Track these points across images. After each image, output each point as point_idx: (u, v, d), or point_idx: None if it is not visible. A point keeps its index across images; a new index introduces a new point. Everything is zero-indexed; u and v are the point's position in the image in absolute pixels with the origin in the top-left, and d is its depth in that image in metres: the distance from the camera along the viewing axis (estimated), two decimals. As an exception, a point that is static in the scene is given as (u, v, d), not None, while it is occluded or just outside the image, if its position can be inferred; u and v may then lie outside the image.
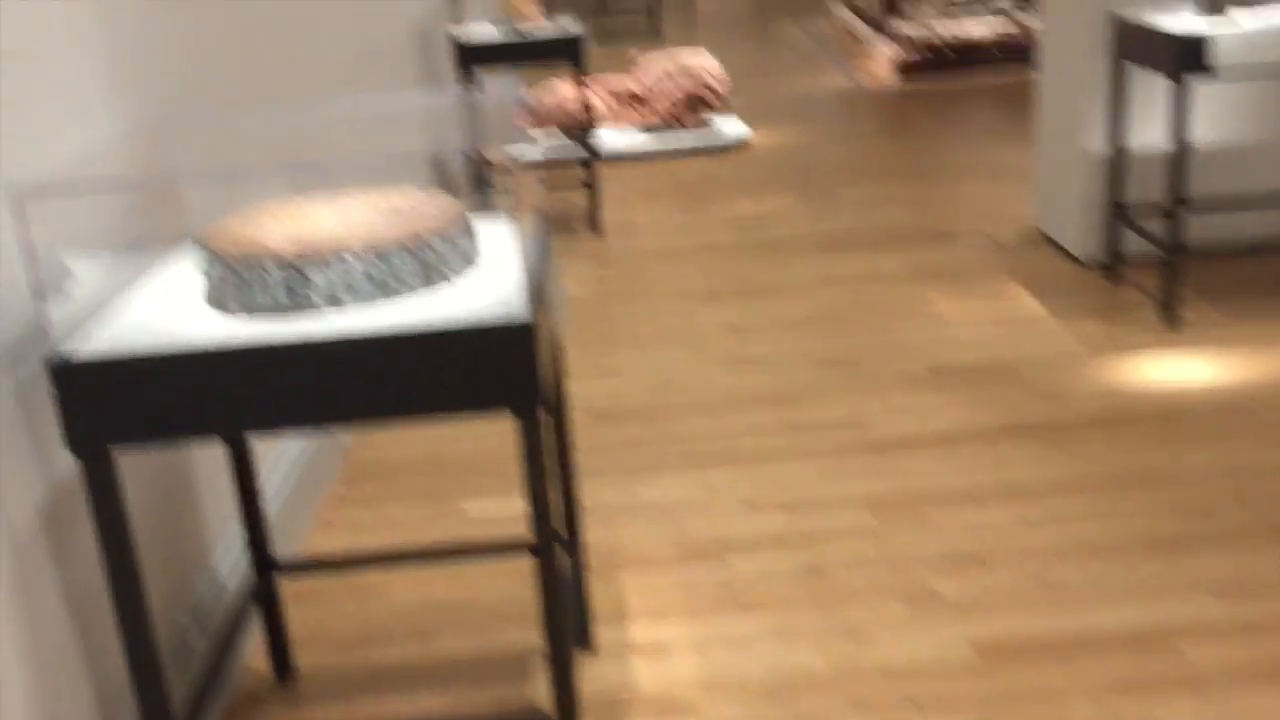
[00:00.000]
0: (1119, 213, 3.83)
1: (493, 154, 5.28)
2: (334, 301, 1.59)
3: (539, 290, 1.65)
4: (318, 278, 1.59)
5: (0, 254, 1.55)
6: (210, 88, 2.38)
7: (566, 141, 6.33)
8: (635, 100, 6.51)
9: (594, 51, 11.67)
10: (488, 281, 1.67)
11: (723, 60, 9.76)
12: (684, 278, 4.37)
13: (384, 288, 1.61)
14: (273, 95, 2.83)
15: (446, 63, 4.98)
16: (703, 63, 6.62)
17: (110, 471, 1.52)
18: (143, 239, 1.98)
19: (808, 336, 3.69)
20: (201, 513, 2.21)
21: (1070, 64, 4.05)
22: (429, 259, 1.65)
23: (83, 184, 1.73)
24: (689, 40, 11.69)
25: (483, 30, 4.96)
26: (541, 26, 4.89)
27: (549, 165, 6.17)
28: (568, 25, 4.93)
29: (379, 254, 1.60)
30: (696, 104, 6.48)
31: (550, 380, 1.72)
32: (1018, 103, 7.16)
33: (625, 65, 6.67)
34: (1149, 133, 3.84)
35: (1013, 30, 7.81)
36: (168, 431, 1.52)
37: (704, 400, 3.31)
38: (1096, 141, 3.91)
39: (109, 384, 1.49)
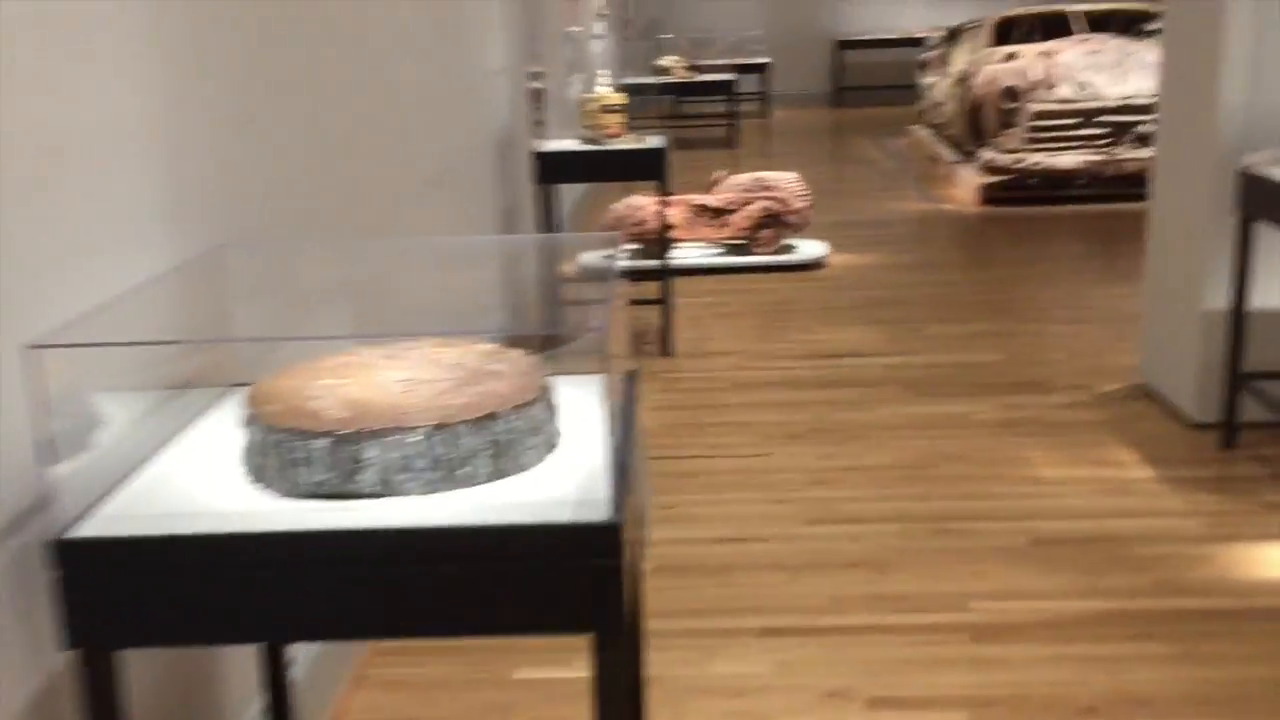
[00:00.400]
0: (1240, 377, 3.53)
1: (568, 269, 5.11)
2: (388, 486, 1.35)
3: (626, 477, 1.40)
4: (372, 453, 1.36)
5: (6, 403, 1.34)
6: (280, 209, 2.20)
7: (641, 256, 6.17)
8: (713, 215, 6.34)
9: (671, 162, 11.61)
10: (567, 465, 1.44)
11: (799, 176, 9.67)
12: (761, 411, 4.12)
13: (448, 471, 1.37)
14: (345, 215, 2.66)
15: (526, 176, 4.83)
16: (785, 180, 6.45)
17: (110, 674, 1.29)
18: (187, 379, 1.77)
19: (896, 491, 3.41)
20: (220, 678, 1.96)
21: (1188, 215, 3.79)
22: (501, 438, 1.41)
23: (106, 337, 1.52)
24: (763, 151, 11.62)
25: (564, 144, 4.82)
26: (624, 140, 4.74)
27: (623, 279, 5.99)
28: (651, 140, 4.78)
29: (445, 429, 1.37)
30: (776, 223, 6.29)
31: (632, 591, 1.46)
32: (1106, 237, 6.91)
33: (708, 185, 6.52)
34: (1276, 294, 3.55)
35: (1099, 160, 7.58)
36: (183, 634, 1.29)
37: (782, 558, 3.03)
38: (1217, 299, 3.63)
39: (116, 570, 1.26)
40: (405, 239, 2.98)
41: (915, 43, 14.93)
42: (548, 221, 4.99)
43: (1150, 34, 8.98)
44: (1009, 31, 9.03)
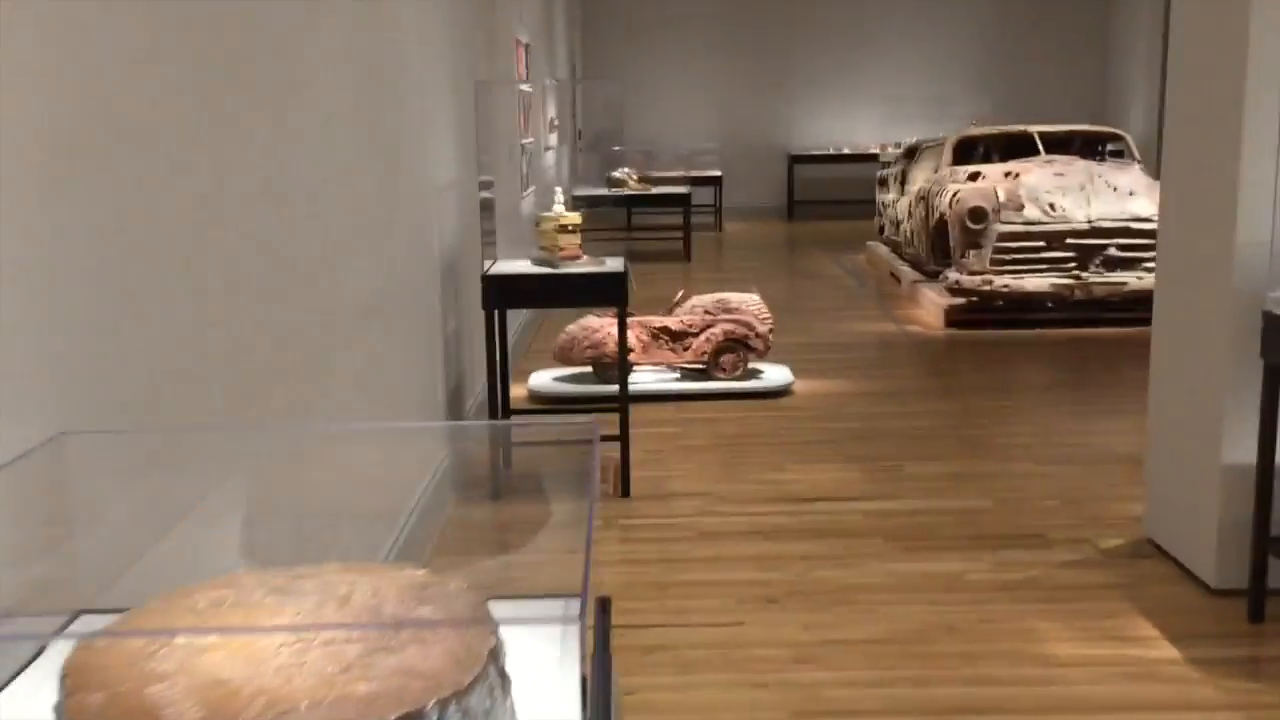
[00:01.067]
0: (1269, 541, 3.17)
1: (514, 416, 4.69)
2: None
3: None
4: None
5: None
6: (160, 372, 1.76)
7: (597, 381, 5.78)
8: (673, 338, 5.98)
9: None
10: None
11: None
12: (731, 568, 3.69)
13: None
14: (254, 365, 2.22)
15: (475, 302, 4.44)
16: (747, 302, 6.12)
17: None
18: (7, 606, 1.32)
19: (891, 673, 2.97)
20: None
21: (1202, 356, 3.47)
22: (428, 745, 0.98)
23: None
24: (719, 265, 11.36)
25: (517, 265, 4.45)
26: (581, 262, 4.37)
27: (573, 405, 5.58)
28: (610, 262, 4.41)
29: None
30: (738, 347, 5.94)
31: None
32: (1079, 365, 6.63)
33: (668, 306, 6.18)
34: (1304, 447, 3.22)
35: (1067, 284, 7.36)
36: None
37: (766, 766, 2.57)
38: (1239, 452, 3.28)
39: None
40: (306, 426, 2.54)
41: (869, 158, 14.94)
42: (501, 350, 4.59)
43: (1115, 155, 8.90)
44: (969, 150, 8.89)
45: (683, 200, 11.38)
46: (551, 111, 9.50)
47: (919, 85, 15.31)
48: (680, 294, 6.25)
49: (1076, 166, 7.76)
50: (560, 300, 4.55)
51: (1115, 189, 7.53)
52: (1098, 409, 5.57)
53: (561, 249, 4.36)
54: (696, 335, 5.97)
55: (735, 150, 15.34)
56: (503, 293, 4.22)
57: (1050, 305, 7.45)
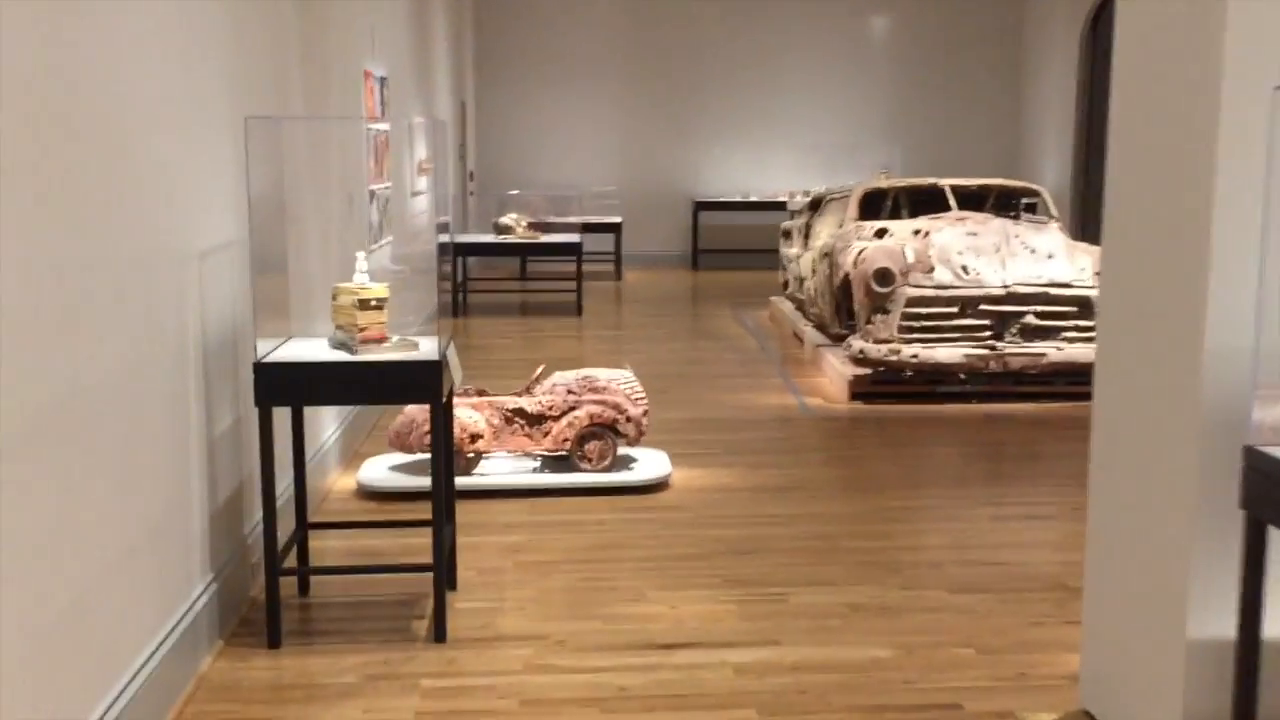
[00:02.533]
0: (1253, 748, 2.38)
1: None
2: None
3: None
4: None
5: None
6: None
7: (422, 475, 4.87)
8: (529, 421, 5.10)
9: (506, 325, 10.48)
10: None
11: (647, 357, 8.54)
12: (555, 763, 2.80)
13: None
14: None
15: (248, 397, 3.51)
16: (618, 380, 5.27)
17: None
18: None
19: None
20: None
21: (1156, 498, 2.68)
22: None
23: None
24: (612, 321, 10.53)
25: (305, 348, 3.54)
26: (386, 347, 3.48)
27: (389, 500, 4.66)
28: (425, 345, 3.53)
29: None
30: (606, 433, 5.09)
31: None
32: (996, 450, 5.90)
33: (527, 384, 5.31)
34: (1295, 622, 2.44)
35: (981, 355, 6.65)
36: None
37: None
38: (1210, 625, 2.50)
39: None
40: None
41: (776, 206, 14.29)
42: (297, 452, 3.66)
43: (1029, 211, 8.27)
44: (877, 204, 8.20)
45: (575, 250, 10.54)
46: (421, 152, 8.61)
47: (829, 132, 14.74)
48: (539, 370, 5.37)
49: (991, 225, 7.08)
50: (355, 395, 3.67)
51: (1033, 251, 6.86)
52: (1018, 510, 4.81)
53: (362, 329, 3.47)
54: (557, 419, 5.10)
55: (638, 195, 14.59)
56: (279, 386, 3.31)
57: (963, 377, 6.73)
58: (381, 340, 3.50)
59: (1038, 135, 14.32)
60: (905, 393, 6.79)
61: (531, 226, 11.12)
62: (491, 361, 8.19)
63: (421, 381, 3.37)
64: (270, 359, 3.38)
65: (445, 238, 10.27)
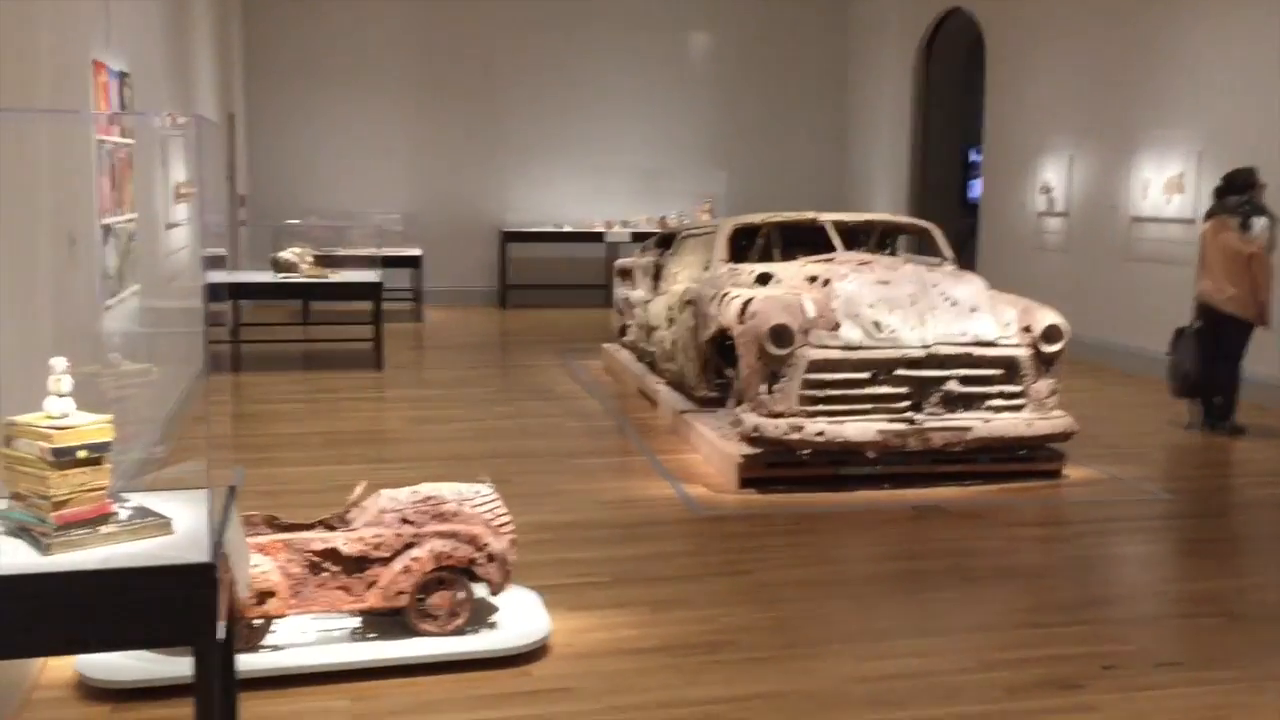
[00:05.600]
0: None
1: None
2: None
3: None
4: None
5: None
6: None
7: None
8: (347, 567, 3.51)
9: (290, 383, 8.62)
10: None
11: (472, 426, 6.89)
12: None
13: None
14: None
15: None
16: (472, 499, 3.74)
17: None
18: None
19: None
20: None
21: None
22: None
23: None
24: (418, 377, 8.87)
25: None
26: (108, 535, 1.88)
27: (128, 699, 3.02)
28: (189, 523, 1.94)
29: None
30: (458, 578, 3.56)
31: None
32: (926, 560, 4.62)
33: (341, 511, 3.72)
34: None
35: (899, 430, 5.46)
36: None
37: None
38: None
39: None
40: None
41: (593, 237, 12.96)
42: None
43: (925, 251, 7.16)
44: (746, 242, 6.93)
45: (372, 290, 8.84)
46: (181, 173, 6.78)
47: (649, 158, 13.50)
48: (359, 489, 3.77)
49: (904, 273, 5.90)
50: (43, 642, 2.03)
51: (954, 303, 5.72)
52: (1040, 672, 3.56)
53: (59, 503, 1.86)
54: (388, 561, 3.53)
55: (439, 225, 12.93)
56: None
57: (872, 456, 5.51)
58: (99, 518, 1.90)
59: (869, 166, 13.53)
60: (805, 477, 5.53)
61: (319, 262, 9.35)
62: (275, 438, 6.45)
63: (177, 605, 1.79)
64: None
65: (218, 276, 8.39)
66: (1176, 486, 5.80)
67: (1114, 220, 9.26)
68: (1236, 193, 6.78)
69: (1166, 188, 8.61)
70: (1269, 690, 3.38)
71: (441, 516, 3.63)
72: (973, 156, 12.94)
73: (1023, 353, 5.68)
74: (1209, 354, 6.79)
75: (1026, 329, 5.73)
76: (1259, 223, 6.71)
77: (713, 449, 5.86)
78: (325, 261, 9.55)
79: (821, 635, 3.83)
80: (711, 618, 3.92)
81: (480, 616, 3.65)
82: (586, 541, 4.71)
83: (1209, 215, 6.93)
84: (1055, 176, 10.06)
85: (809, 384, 5.48)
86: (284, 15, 12.59)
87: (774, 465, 5.53)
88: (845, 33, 13.82)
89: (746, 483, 5.49)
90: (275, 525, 3.65)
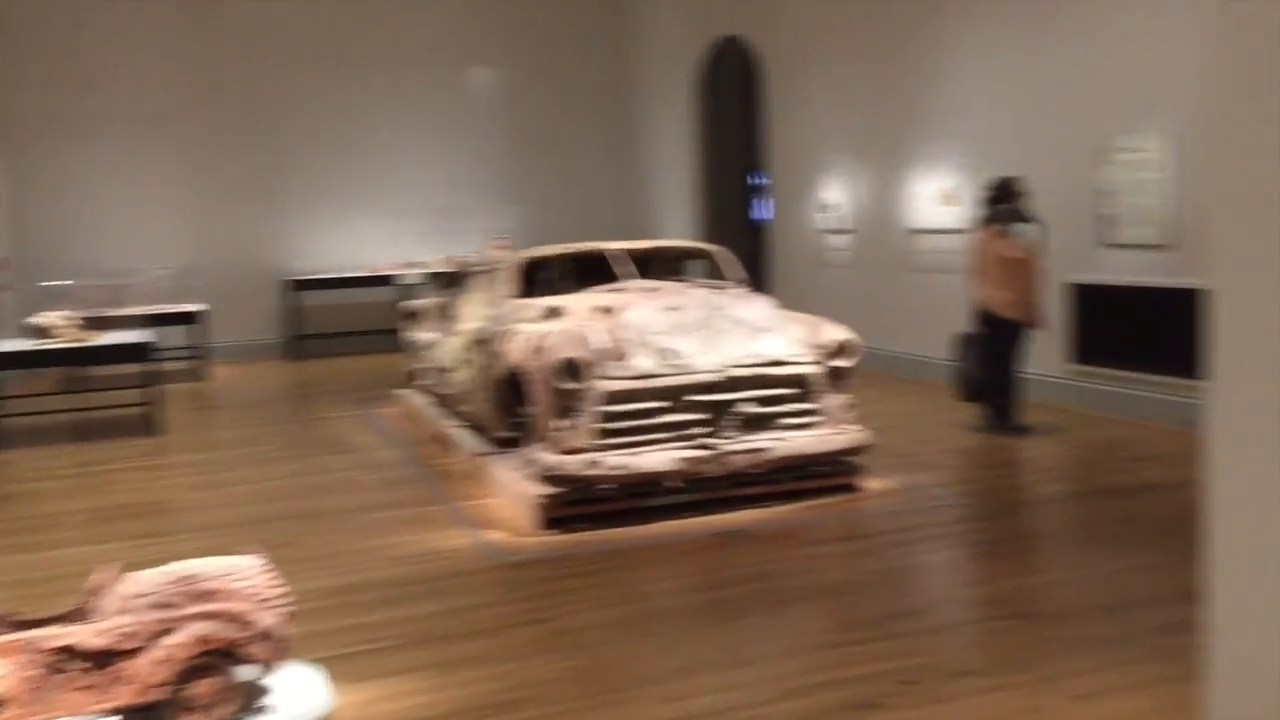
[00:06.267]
0: None
1: None
2: None
3: None
4: None
5: None
6: None
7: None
8: (90, 663, 3.15)
9: (56, 459, 7.91)
10: None
11: (258, 488, 6.51)
12: None
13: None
14: None
15: None
16: (239, 573, 3.43)
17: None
18: None
19: None
20: None
21: None
22: None
23: None
24: (201, 439, 8.33)
25: None
26: None
27: None
28: None
29: None
30: (223, 662, 3.25)
31: None
32: (728, 589, 4.52)
33: (83, 597, 3.35)
34: None
35: (698, 457, 5.40)
36: None
37: None
38: None
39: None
40: None
41: (381, 280, 12.57)
42: None
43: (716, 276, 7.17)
44: (537, 276, 6.78)
45: (141, 352, 8.28)
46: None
47: (437, 196, 13.23)
48: (99, 574, 3.41)
49: (692, 297, 5.86)
50: None
51: (744, 325, 5.71)
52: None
53: None
54: (138, 654, 3.19)
55: (224, 277, 12.32)
56: None
57: (683, 485, 5.42)
58: None
59: (659, 193, 13.63)
60: (608, 512, 5.39)
61: (88, 324, 8.71)
62: (33, 520, 5.92)
63: None
64: None
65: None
66: (968, 490, 5.93)
67: (894, 234, 9.54)
68: (1004, 201, 7.06)
69: (944, 200, 8.92)
70: (1059, 690, 3.41)
71: (201, 596, 3.31)
72: (756, 180, 13.20)
73: (814, 370, 5.71)
74: (991, 358, 7.03)
75: (818, 346, 5.77)
76: (1027, 229, 7.00)
77: (511, 491, 5.66)
78: (95, 323, 8.91)
79: (625, 680, 3.68)
80: (508, 673, 3.71)
81: (252, 701, 3.34)
82: (376, 604, 4.43)
83: (981, 224, 7.19)
84: (837, 195, 10.32)
85: (604, 416, 5.35)
86: (45, 60, 11.80)
87: (575, 503, 5.37)
88: (624, 62, 13.91)
89: (550, 523, 5.31)
90: (15, 623, 3.26)
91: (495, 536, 5.27)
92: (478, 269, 7.42)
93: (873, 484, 5.85)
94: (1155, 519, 5.17)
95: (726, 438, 5.47)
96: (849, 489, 5.77)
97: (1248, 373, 1.53)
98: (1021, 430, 7.02)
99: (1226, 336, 1.56)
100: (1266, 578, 1.52)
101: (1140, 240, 7.17)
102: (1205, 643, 1.63)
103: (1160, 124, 6.97)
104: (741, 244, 11.48)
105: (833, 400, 5.75)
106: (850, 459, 5.79)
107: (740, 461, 5.46)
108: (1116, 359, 7.41)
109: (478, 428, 6.75)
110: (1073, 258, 7.53)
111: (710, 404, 5.48)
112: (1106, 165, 7.38)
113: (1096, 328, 7.55)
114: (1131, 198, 7.23)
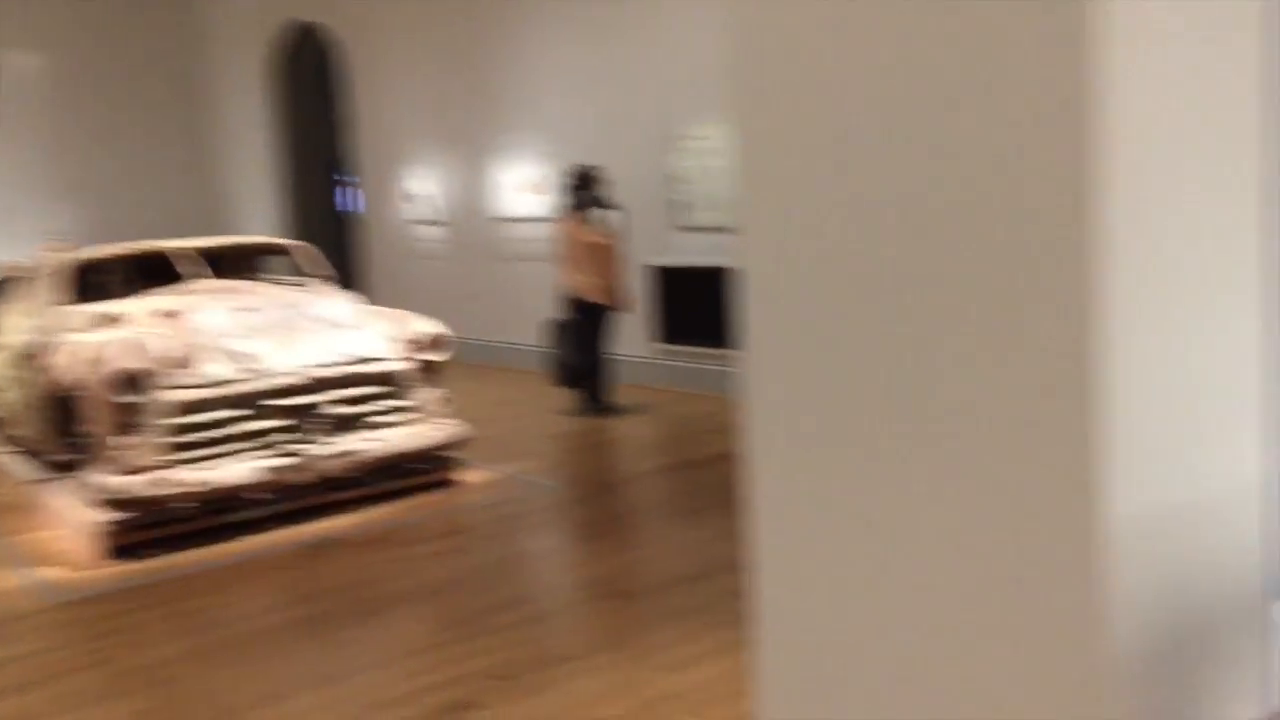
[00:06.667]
0: None
1: None
2: None
3: None
4: None
5: None
6: None
7: None
8: None
9: None
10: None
11: None
12: None
13: None
14: None
15: None
16: None
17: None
18: None
19: None
20: None
21: None
22: None
23: None
24: None
25: None
26: None
27: None
28: None
29: None
30: None
31: None
32: (323, 602, 4.34)
33: None
34: None
35: (284, 465, 5.10)
36: None
37: None
38: None
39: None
40: None
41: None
42: None
43: (296, 273, 6.81)
44: (94, 281, 6.13)
45: None
46: None
47: (-22, 194, 11.76)
48: None
49: (267, 297, 5.51)
50: None
51: (325, 323, 5.44)
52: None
53: None
54: None
55: None
56: None
57: (252, 496, 5.09)
58: None
59: (237, 188, 12.86)
60: (188, 533, 4.97)
61: None
62: None
63: None
64: None
65: None
66: (565, 474, 6.02)
67: (483, 224, 9.55)
68: (585, 189, 7.23)
69: (533, 189, 9.02)
70: (649, 664, 3.49)
71: None
72: (342, 172, 12.80)
73: (404, 365, 5.56)
74: (582, 342, 7.18)
75: (407, 340, 5.61)
76: (608, 215, 7.21)
77: (70, 521, 5.08)
78: None
79: (203, 714, 3.37)
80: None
81: None
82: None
83: (565, 212, 7.32)
84: (427, 186, 10.18)
85: (174, 430, 4.91)
86: None
87: (147, 527, 4.90)
88: (191, 49, 13.02)
89: (119, 552, 4.82)
90: None
91: (51, 573, 4.71)
92: (19, 274, 6.61)
93: (471, 477, 5.79)
94: (731, 487, 5.49)
95: (314, 442, 5.21)
96: (447, 484, 5.68)
97: (773, 346, 1.57)
98: (615, 411, 7.24)
99: (754, 313, 1.59)
100: (798, 542, 1.57)
101: (710, 223, 7.60)
102: (752, 608, 1.68)
103: (721, 114, 7.40)
104: (330, 238, 11.10)
105: (426, 395, 5.63)
106: (447, 454, 5.70)
107: (331, 466, 5.21)
108: (696, 337, 7.82)
109: (35, 453, 6.03)
110: (650, 241, 7.85)
111: (293, 408, 5.18)
112: (676, 153, 7.75)
113: (676, 308, 7.93)
114: (700, 183, 7.64)
